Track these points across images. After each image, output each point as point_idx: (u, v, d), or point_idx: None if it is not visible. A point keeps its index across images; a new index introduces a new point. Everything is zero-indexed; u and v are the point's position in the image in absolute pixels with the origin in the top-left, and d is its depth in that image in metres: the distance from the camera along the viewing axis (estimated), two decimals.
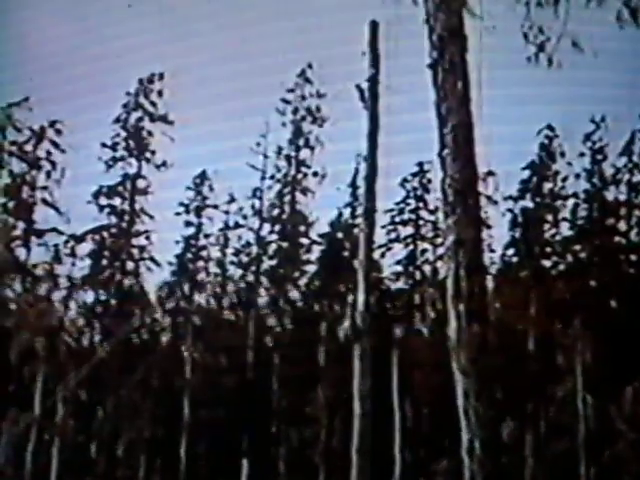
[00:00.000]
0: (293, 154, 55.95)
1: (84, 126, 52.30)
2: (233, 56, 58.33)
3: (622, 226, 52.52)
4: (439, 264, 52.38)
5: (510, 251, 52.58)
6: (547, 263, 52.09)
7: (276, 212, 55.58)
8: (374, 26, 18.66)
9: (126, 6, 55.47)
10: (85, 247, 50.95)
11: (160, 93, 54.56)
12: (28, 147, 49.32)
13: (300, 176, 55.92)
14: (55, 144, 49.77)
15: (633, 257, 52.02)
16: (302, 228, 55.69)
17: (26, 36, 51.82)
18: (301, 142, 55.94)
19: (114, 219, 52.53)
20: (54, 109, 49.80)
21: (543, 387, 46.66)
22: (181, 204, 55.51)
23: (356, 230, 41.84)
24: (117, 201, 52.72)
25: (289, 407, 49.52)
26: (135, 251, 52.77)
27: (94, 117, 54.26)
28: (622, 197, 52.79)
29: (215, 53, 58.68)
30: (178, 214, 55.36)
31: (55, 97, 52.34)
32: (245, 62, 57.48)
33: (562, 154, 53.57)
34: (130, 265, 52.76)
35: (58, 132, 50.00)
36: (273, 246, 55.15)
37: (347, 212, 54.85)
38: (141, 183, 53.21)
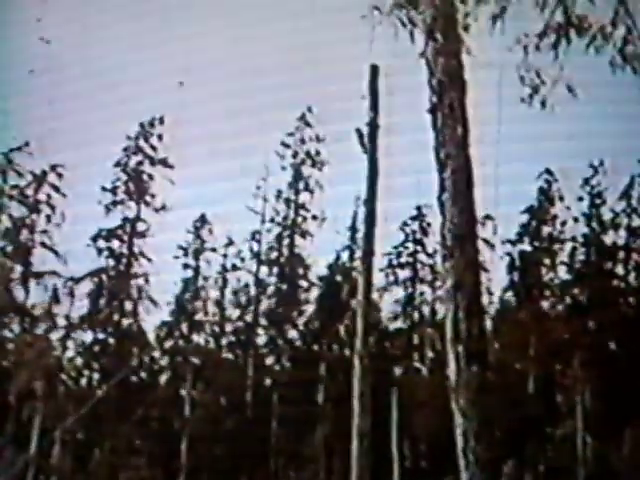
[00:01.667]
0: (293, 197, 56.16)
1: (85, 170, 52.55)
2: (233, 99, 58.48)
3: (620, 270, 52.54)
4: (437, 305, 52.45)
5: (509, 293, 52.68)
6: (545, 305, 52.12)
7: (274, 255, 55.67)
8: (374, 70, 18.86)
9: (127, 49, 56.10)
10: (84, 287, 50.94)
11: (160, 137, 54.71)
12: (29, 191, 49.49)
13: (299, 219, 56.09)
14: (56, 188, 49.97)
15: (631, 300, 52.01)
16: (300, 271, 55.74)
17: (26, 79, 52.10)
18: (301, 185, 56.19)
19: (112, 262, 52.53)
20: (55, 153, 49.96)
21: (543, 427, 46.54)
22: (180, 247, 55.62)
23: (354, 273, 41.95)
24: (116, 244, 52.76)
25: (288, 446, 49.32)
26: (133, 291, 52.75)
27: (95, 161, 54.51)
28: (620, 241, 52.85)
29: (215, 97, 58.87)
30: (177, 257, 55.47)
31: (56, 141, 52.72)
32: (245, 106, 57.63)
33: (561, 198, 53.78)
34: (128, 305, 52.72)
35: (59, 176, 50.24)
36: (272, 287, 55.20)
37: (345, 255, 54.97)
38: (140, 226, 53.28)
